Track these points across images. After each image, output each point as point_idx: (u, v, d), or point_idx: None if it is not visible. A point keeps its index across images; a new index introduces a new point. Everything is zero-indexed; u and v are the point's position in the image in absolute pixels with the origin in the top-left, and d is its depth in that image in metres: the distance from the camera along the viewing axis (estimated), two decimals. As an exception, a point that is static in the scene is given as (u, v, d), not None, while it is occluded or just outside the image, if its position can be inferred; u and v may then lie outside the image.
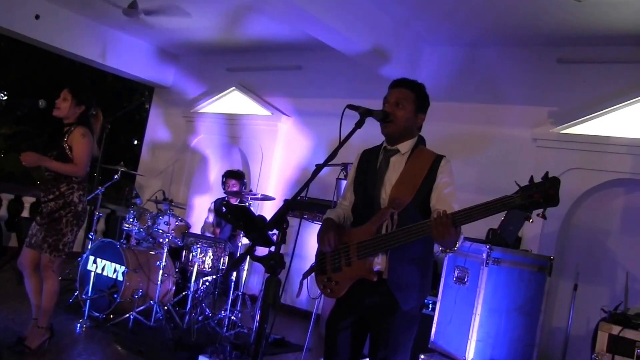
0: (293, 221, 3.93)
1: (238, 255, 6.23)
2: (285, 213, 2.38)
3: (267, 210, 8.04)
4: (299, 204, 4.31)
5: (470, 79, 7.16)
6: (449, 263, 4.49)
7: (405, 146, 2.97)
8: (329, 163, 2.73)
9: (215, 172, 9.73)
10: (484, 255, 4.14)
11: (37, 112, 4.99)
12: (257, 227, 2.19)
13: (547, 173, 2.37)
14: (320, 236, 2.96)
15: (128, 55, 9.62)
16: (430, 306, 5.23)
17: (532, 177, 2.39)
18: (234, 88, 9.40)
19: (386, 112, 2.91)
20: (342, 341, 2.98)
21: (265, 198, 6.41)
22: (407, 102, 2.96)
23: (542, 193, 2.34)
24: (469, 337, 4.14)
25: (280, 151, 8.79)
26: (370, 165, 3.02)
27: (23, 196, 9.07)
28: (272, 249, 2.37)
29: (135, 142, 17.90)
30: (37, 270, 4.48)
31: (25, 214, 8.89)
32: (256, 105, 9.16)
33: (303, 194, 2.69)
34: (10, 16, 8.02)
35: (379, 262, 2.82)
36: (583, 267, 6.14)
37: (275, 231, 2.38)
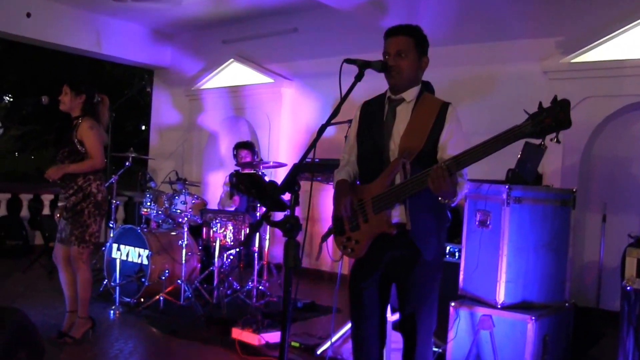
0: (307, 185, 3.93)
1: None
2: (294, 175, 2.37)
3: (281, 177, 8.07)
4: (309, 166, 4.30)
5: (471, 19, 7.02)
6: (470, 208, 4.45)
7: (410, 94, 2.93)
8: (334, 122, 2.70)
9: (224, 146, 9.76)
10: (504, 196, 4.10)
11: (41, 109, 5.04)
12: (269, 193, 2.20)
13: (555, 97, 2.32)
14: (336, 201, 2.96)
15: (123, 41, 9.62)
16: (457, 254, 5.26)
17: (540, 103, 2.35)
18: (232, 60, 9.36)
19: (385, 63, 2.86)
20: (368, 300, 3.01)
21: (278, 165, 6.42)
22: (409, 49, 2.89)
23: (553, 117, 2.30)
24: (498, 279, 4.13)
25: (287, 117, 8.78)
26: (376, 117, 2.99)
27: (41, 194, 9.22)
28: (287, 213, 2.37)
29: (143, 127, 17.97)
30: (69, 263, 4.62)
31: (46, 211, 9.06)
32: (257, 74, 9.12)
33: (312, 157, 2.68)
34: (1, 17, 8.06)
35: (397, 215, 2.82)
36: (609, 198, 6.11)
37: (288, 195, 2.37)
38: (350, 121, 3.16)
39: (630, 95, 5.99)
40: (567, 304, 4.50)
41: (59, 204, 4.79)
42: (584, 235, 6.26)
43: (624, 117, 6.24)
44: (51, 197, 9.13)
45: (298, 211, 2.40)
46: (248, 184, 2.50)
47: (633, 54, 5.93)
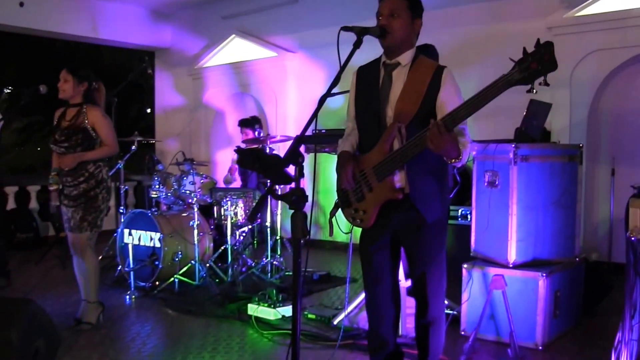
0: (319, 157, 3.96)
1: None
2: (297, 147, 2.44)
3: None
4: (314, 138, 4.33)
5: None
6: (478, 169, 4.51)
7: (405, 57, 2.95)
8: (337, 91, 2.74)
9: (231, 123, 9.83)
10: (511, 155, 4.15)
11: (41, 99, 5.10)
12: (272, 166, 2.26)
13: (538, 40, 2.37)
14: (339, 173, 3.02)
15: (120, 24, 9.67)
16: (469, 216, 5.34)
17: (524, 49, 2.40)
18: (233, 35, 9.40)
19: (382, 26, 2.88)
20: (379, 264, 3.09)
21: (285, 139, 6.49)
22: (401, 10, 2.90)
23: (538, 61, 2.35)
24: (509, 239, 4.21)
25: (294, 90, 8.84)
26: (372, 82, 3.02)
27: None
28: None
29: (148, 110, 18.06)
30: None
31: (53, 202, 9.14)
32: (260, 48, 9.16)
33: (315, 128, 2.73)
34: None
35: (398, 180, 2.88)
36: (618, 151, 6.15)
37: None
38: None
39: (636, 47, 6.00)
40: (577, 259, 4.59)
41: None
42: (594, 190, 6.33)
43: (630, 70, 6.27)
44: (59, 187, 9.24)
45: (307, 184, 2.48)
46: (251, 159, 2.56)
47: (637, 3, 5.91)
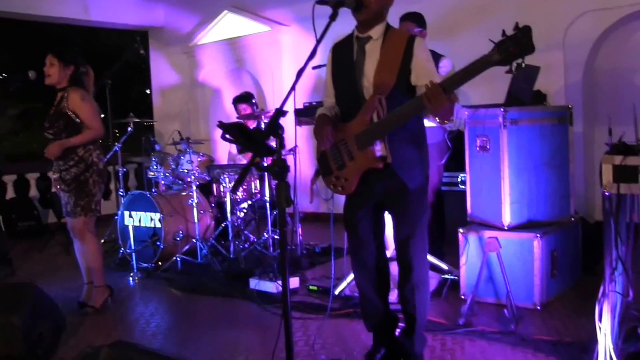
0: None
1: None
2: (276, 119, 2.58)
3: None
4: (299, 111, 4.43)
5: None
6: (470, 135, 4.61)
7: (377, 31, 3.08)
8: (318, 64, 2.85)
9: (229, 100, 9.85)
10: (500, 119, 4.26)
11: (31, 84, 5.15)
12: (255, 139, 2.38)
13: (517, 24, 2.50)
14: (317, 133, 3.16)
15: (112, 4, 9.70)
16: (461, 180, 5.45)
17: (504, 31, 2.52)
18: (226, 11, 9.44)
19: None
20: (363, 230, 3.25)
21: (279, 114, 6.56)
22: None
23: (516, 44, 2.48)
24: (502, 201, 4.33)
25: (289, 64, 8.91)
26: (346, 57, 3.16)
27: (47, 172, 9.43)
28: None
29: (148, 91, 18.18)
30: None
31: (54, 188, 9.28)
32: (253, 23, 9.22)
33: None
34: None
35: (379, 149, 3.01)
36: (615, 111, 6.20)
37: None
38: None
39: (627, 6, 6.07)
40: (572, 219, 4.71)
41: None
42: (593, 151, 6.42)
43: (623, 29, 6.34)
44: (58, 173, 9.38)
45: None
46: (234, 133, 2.64)
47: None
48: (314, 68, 4.57)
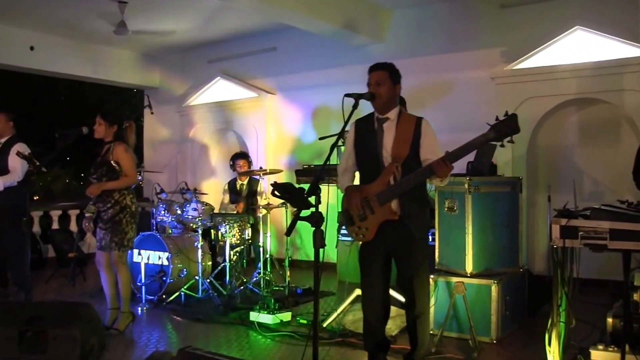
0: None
1: (288, 226, 7.00)
2: (317, 183, 3.23)
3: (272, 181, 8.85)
4: (317, 173, 5.09)
5: (428, 36, 7.94)
6: (440, 198, 5.25)
7: (392, 114, 3.85)
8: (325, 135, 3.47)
9: (215, 156, 10.48)
10: (466, 186, 4.97)
11: (82, 138, 5.68)
12: (299, 196, 2.88)
13: (506, 112, 3.26)
14: (347, 201, 3.83)
15: (115, 66, 10.35)
16: (431, 237, 6.08)
17: (497, 117, 3.26)
18: (218, 78, 10.05)
19: (372, 92, 3.78)
20: (374, 272, 3.90)
21: (274, 172, 7.15)
22: (385, 79, 3.82)
23: (507, 126, 3.22)
24: (466, 253, 4.99)
25: (272, 127, 9.53)
26: (370, 132, 3.87)
27: (50, 211, 9.74)
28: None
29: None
30: (110, 267, 5.29)
31: (55, 226, 9.60)
32: (242, 89, 9.83)
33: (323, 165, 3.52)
34: (7, 50, 8.72)
35: (394, 206, 3.71)
36: (553, 180, 7.03)
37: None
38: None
39: (564, 95, 7.00)
40: (521, 269, 5.43)
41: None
42: (535, 214, 7.20)
43: (560, 112, 7.25)
44: (59, 212, 9.68)
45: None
46: (282, 190, 3.06)
47: (564, 60, 6.89)
48: (320, 139, 5.26)
